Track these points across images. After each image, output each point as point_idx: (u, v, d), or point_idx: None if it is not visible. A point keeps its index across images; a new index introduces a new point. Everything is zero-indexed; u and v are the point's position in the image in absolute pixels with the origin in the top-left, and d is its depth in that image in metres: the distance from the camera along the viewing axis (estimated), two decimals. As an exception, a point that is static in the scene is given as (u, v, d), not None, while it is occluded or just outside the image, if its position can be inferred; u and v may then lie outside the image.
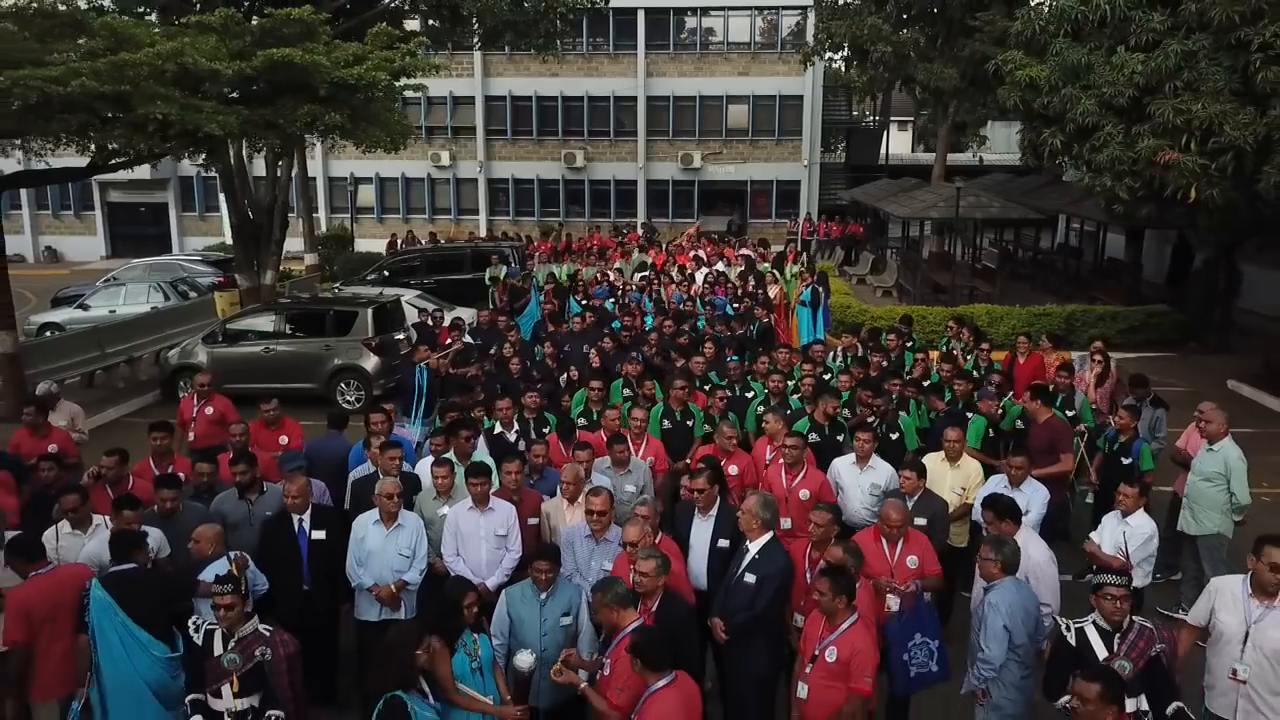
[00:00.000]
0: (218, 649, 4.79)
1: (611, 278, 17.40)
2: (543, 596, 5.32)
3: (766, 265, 19.38)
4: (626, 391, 9.07)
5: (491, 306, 15.80)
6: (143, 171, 30.31)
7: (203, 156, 14.01)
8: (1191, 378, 15.66)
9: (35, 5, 10.10)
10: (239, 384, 12.76)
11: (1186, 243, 19.69)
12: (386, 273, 20.98)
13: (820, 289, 15.80)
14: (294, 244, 25.33)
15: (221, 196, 35.24)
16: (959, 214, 19.64)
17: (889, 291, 24.07)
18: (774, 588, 5.24)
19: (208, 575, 5.32)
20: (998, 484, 6.70)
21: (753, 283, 16.83)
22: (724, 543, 5.85)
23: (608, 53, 34.30)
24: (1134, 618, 4.70)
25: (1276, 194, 9.73)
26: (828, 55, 26.22)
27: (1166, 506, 8.24)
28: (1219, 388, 15.16)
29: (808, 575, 5.53)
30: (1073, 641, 4.51)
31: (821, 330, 14.97)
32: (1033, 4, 16.16)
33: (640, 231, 31.01)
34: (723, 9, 34.01)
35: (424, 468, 7.02)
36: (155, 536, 5.93)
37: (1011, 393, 8.79)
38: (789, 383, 9.03)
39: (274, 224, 19.24)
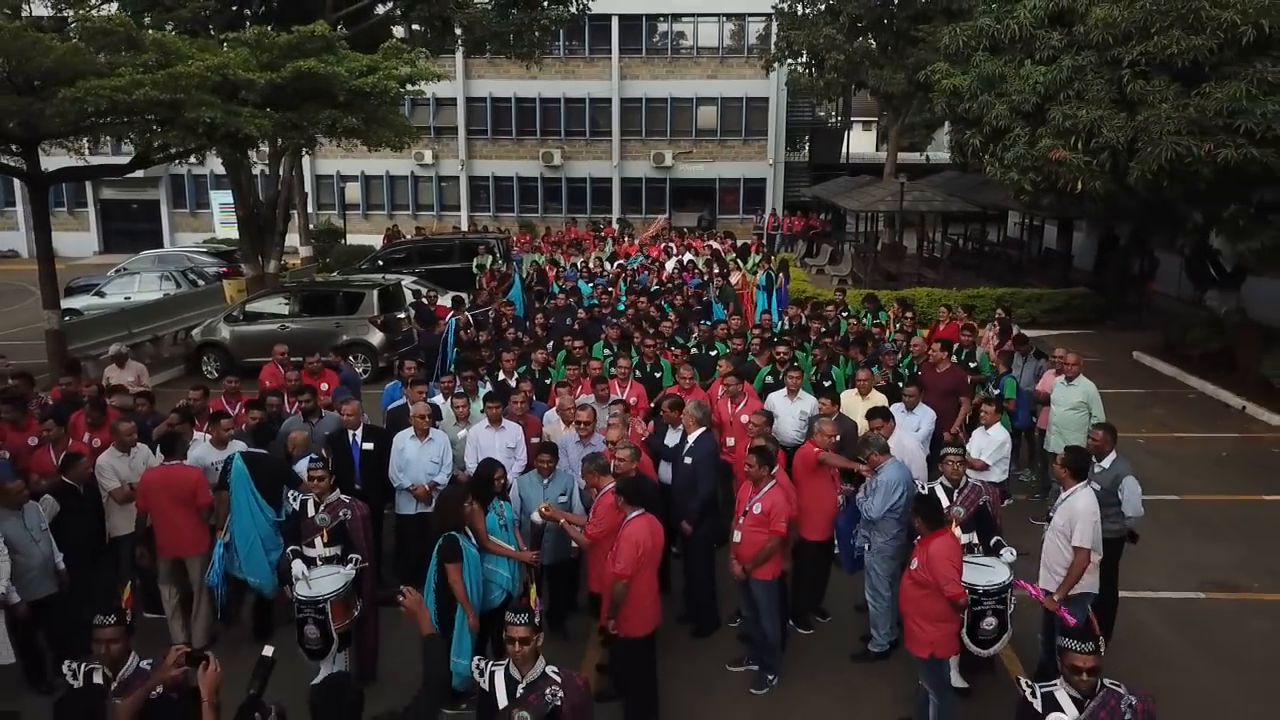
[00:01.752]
0: (311, 512, 6.58)
1: (592, 266, 19.28)
2: (545, 482, 7.15)
3: (732, 255, 21.31)
4: (607, 351, 10.92)
5: (478, 290, 17.65)
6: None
7: (237, 154, 15.58)
8: (1104, 350, 17.73)
9: (96, 24, 11.71)
10: (258, 358, 14.42)
11: (1113, 234, 21.81)
12: (380, 262, 22.65)
13: (779, 274, 17.75)
14: (289, 238, 26.93)
15: (212, 195, 36.99)
16: (903, 207, 21.66)
17: (844, 280, 26.01)
18: (706, 464, 7.21)
19: (301, 466, 7.12)
20: (898, 409, 8.60)
21: (717, 269, 18.73)
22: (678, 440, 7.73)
23: (583, 57, 36.01)
24: (967, 477, 6.67)
25: (1142, 185, 11.71)
26: (788, 61, 28.10)
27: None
28: (1126, 358, 17.27)
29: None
30: (923, 490, 6.46)
31: (776, 309, 16.87)
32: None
33: (615, 227, 32.80)
34: (692, 16, 35.86)
35: (445, 404, 8.83)
36: (239, 445, 7.71)
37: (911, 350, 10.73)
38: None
39: (277, 217, 20.91)
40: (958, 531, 6.20)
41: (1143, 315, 19.79)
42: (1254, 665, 7.02)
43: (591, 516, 6.56)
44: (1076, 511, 6.26)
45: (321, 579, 6.33)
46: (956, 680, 6.58)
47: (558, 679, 4.29)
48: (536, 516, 6.70)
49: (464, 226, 35.76)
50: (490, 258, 21.46)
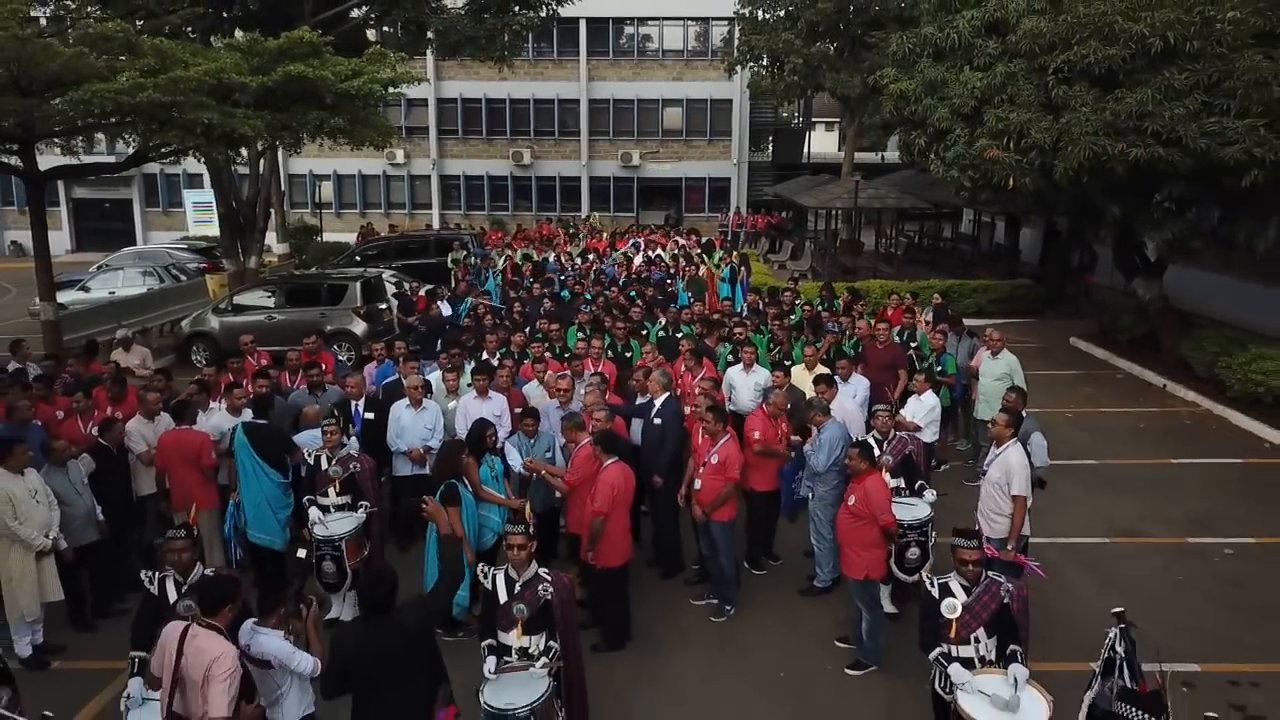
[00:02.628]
0: (324, 465, 7.49)
1: (563, 261, 20.25)
2: (531, 442, 8.10)
3: (697, 250, 22.38)
4: (580, 335, 11.89)
5: (453, 284, 18.54)
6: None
7: (230, 153, 16.32)
8: (1044, 337, 19.01)
9: (97, 30, 12.45)
10: (248, 346, 15.24)
11: (1055, 230, 23.13)
12: (358, 258, 23.43)
13: (741, 268, 18.86)
14: (266, 235, 27.60)
15: (185, 194, 37.34)
16: (858, 205, 22.82)
17: (804, 274, 27.16)
18: (672, 425, 8.18)
19: (304, 436, 8.01)
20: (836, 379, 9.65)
21: (684, 262, 19.77)
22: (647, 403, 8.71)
23: (552, 59, 36.88)
24: (895, 431, 7.74)
25: (1065, 181, 12.86)
26: (750, 65, 29.19)
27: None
28: (1063, 344, 18.54)
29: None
30: (856, 439, 7.53)
31: (739, 298, 17.95)
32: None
33: (588, 223, 33.74)
34: (658, 19, 36.87)
35: (435, 378, 9.74)
36: (247, 414, 8.58)
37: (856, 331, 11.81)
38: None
39: (257, 214, 21.62)
40: (886, 476, 7.25)
41: (1081, 305, 21.09)
42: (1143, 592, 8.14)
43: (570, 466, 7.54)
44: (1011, 465, 7.17)
45: (336, 521, 7.26)
46: (888, 606, 7.65)
47: (548, 578, 5.27)
48: (520, 467, 7.65)
49: (435, 224, 36.50)
50: (464, 253, 22.36)
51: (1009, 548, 6.90)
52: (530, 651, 5.17)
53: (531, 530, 5.32)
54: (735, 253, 23.18)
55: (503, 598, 5.24)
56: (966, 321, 12.90)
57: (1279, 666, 6.96)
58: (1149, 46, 12.04)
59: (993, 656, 5.18)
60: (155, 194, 39.02)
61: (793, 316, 12.91)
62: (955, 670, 5.08)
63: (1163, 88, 11.97)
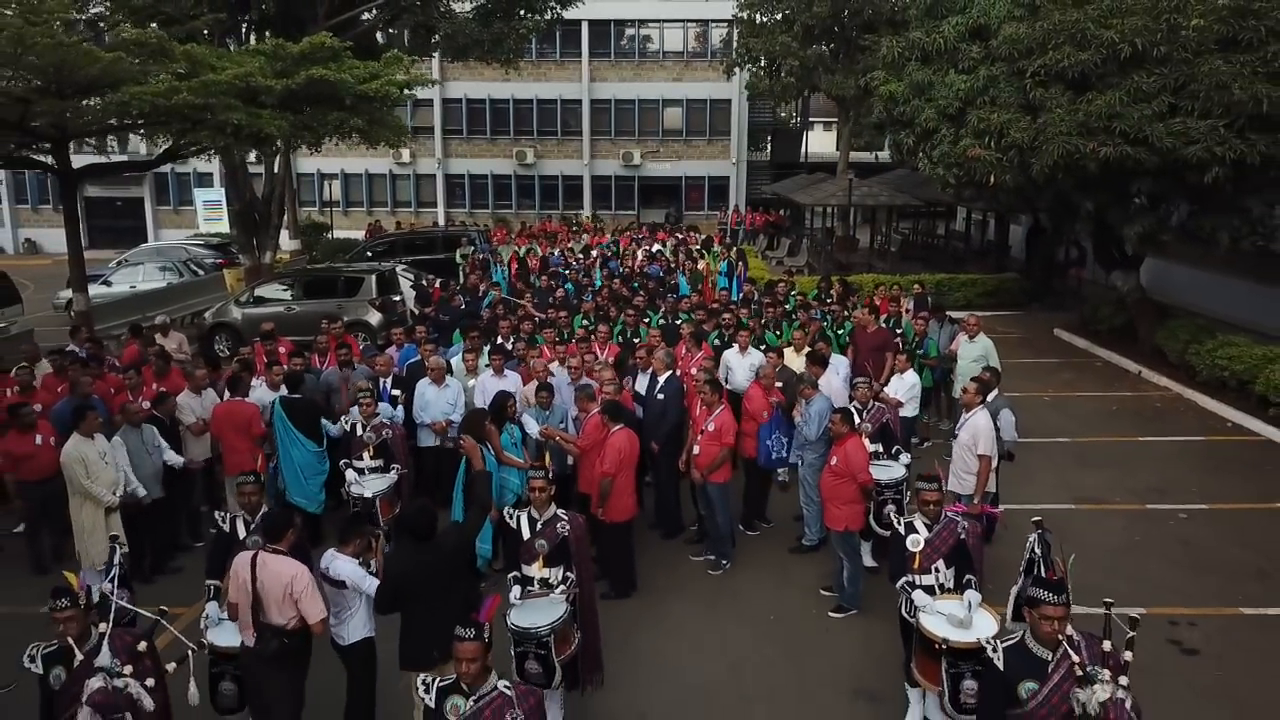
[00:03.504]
0: (359, 432, 8.31)
1: (567, 256, 21.12)
2: (545, 414, 8.92)
3: (697, 246, 23.25)
4: (585, 321, 12.73)
5: (462, 278, 19.38)
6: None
7: (254, 152, 17.18)
8: (1029, 328, 19.84)
9: (131, 36, 13.27)
10: (268, 336, 16.07)
11: (1040, 226, 23.94)
12: (368, 253, 24.25)
13: (739, 263, 19.72)
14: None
15: (195, 192, 38.08)
16: (852, 202, 23.63)
17: (800, 269, 28.00)
18: (674, 400, 8.99)
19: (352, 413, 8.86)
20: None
21: (684, 257, 20.62)
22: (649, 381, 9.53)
23: (555, 60, 37.72)
24: (874, 402, 8.57)
25: (1042, 177, 13.68)
26: (748, 67, 30.00)
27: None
28: (1047, 335, 19.36)
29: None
30: (838, 405, 8.35)
31: (736, 292, 18.79)
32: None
33: (590, 221, 34.61)
34: (659, 21, 37.72)
35: (455, 360, 10.56)
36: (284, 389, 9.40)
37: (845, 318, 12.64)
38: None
39: (272, 211, 22.44)
40: (865, 442, 8.07)
41: (1067, 298, 21.92)
42: (1101, 549, 8.94)
43: (581, 432, 8.36)
44: (979, 428, 8.11)
45: (371, 481, 8.08)
46: (868, 560, 8.48)
47: (565, 518, 6.10)
48: (537, 434, 8.48)
49: (441, 222, 37.36)
50: (472, 248, 23.21)
51: (974, 501, 7.73)
52: (550, 581, 5.99)
53: (550, 476, 6.14)
54: (733, 249, 24.06)
55: (526, 535, 6.07)
56: (955, 314, 13.75)
57: (1213, 610, 7.79)
58: (1119, 52, 12.86)
59: (951, 584, 6.00)
60: (166, 192, 39.84)
61: (786, 305, 13.73)
62: (918, 595, 5.89)
63: (1131, 90, 12.80)
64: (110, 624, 4.55)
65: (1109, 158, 12.74)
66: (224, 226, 36.75)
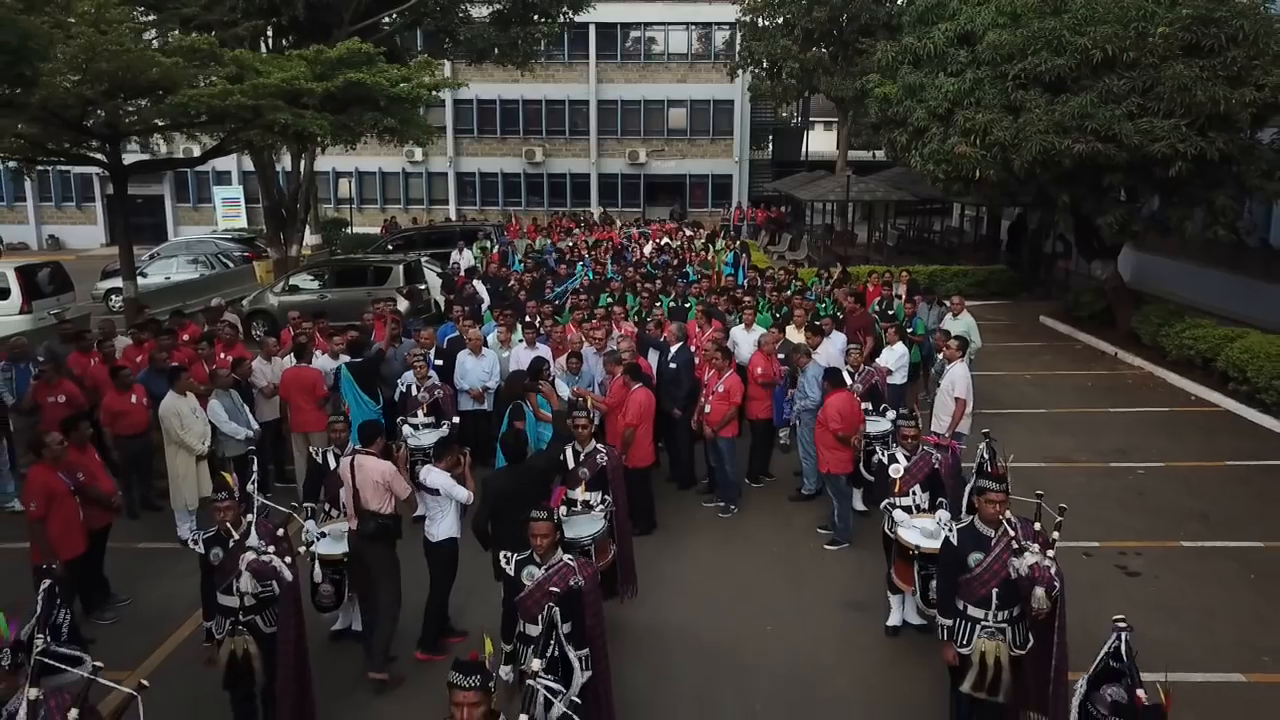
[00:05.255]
0: (414, 392, 9.52)
1: (581, 250, 22.41)
2: (575, 378, 10.12)
3: (702, 240, 24.53)
4: (609, 300, 14.00)
5: (483, 268, 20.62)
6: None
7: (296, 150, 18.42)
8: (1016, 316, 21.05)
9: (186, 43, 14.48)
10: (303, 322, 17.27)
11: (1023, 221, 25.17)
12: (389, 246, 25.48)
13: (743, 254, 20.98)
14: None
15: (214, 190, 39.31)
16: (849, 197, 24.84)
17: (801, 263, 29.19)
18: (687, 368, 10.20)
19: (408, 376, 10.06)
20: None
21: (689, 250, 21.89)
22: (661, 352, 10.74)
23: (563, 62, 38.94)
24: (864, 366, 9.79)
25: (1022, 172, 14.87)
26: (750, 69, 31.20)
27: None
28: (1033, 321, 20.56)
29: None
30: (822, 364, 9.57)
31: (741, 278, 20.04)
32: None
33: (597, 218, 35.84)
34: (663, 24, 38.95)
35: (491, 336, 11.78)
36: (344, 358, 10.60)
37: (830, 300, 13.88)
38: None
39: (298, 207, 23.67)
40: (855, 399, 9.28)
41: (1054, 288, 23.12)
42: (1063, 497, 9.95)
43: (608, 392, 9.56)
44: (956, 377, 9.61)
45: (426, 434, 9.29)
46: (859, 504, 9.68)
47: (604, 450, 7.30)
48: (569, 394, 9.68)
49: (452, 219, 38.59)
50: (489, 242, 24.44)
51: (946, 435, 9.02)
52: (590, 503, 7.19)
53: (591, 415, 7.35)
54: (738, 241, 25.35)
55: (571, 464, 7.27)
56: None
57: (1155, 543, 8.99)
58: (1091, 57, 14.06)
59: (925, 506, 7.19)
60: (185, 190, 41.10)
61: (788, 290, 14.94)
62: (898, 514, 7.09)
63: (1103, 92, 14.01)
64: (255, 515, 5.74)
65: (1082, 154, 13.93)
66: (241, 223, 38.11)
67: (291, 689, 5.64)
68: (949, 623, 5.46)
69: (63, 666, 4.34)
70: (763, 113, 42.72)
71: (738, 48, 32.55)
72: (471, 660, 3.84)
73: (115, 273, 25.49)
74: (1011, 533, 5.28)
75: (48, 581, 4.75)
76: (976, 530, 5.45)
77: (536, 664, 4.38)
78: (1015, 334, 19.04)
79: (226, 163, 37.10)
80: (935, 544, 6.64)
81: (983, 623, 5.32)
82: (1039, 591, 5.03)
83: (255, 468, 6.56)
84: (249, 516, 5.74)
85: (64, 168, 28.04)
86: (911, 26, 18.56)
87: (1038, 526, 5.43)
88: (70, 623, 4.94)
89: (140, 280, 23.37)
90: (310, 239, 31.50)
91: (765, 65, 29.12)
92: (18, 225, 40.49)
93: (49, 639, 4.37)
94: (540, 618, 5.03)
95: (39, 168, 18.30)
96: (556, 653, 4.52)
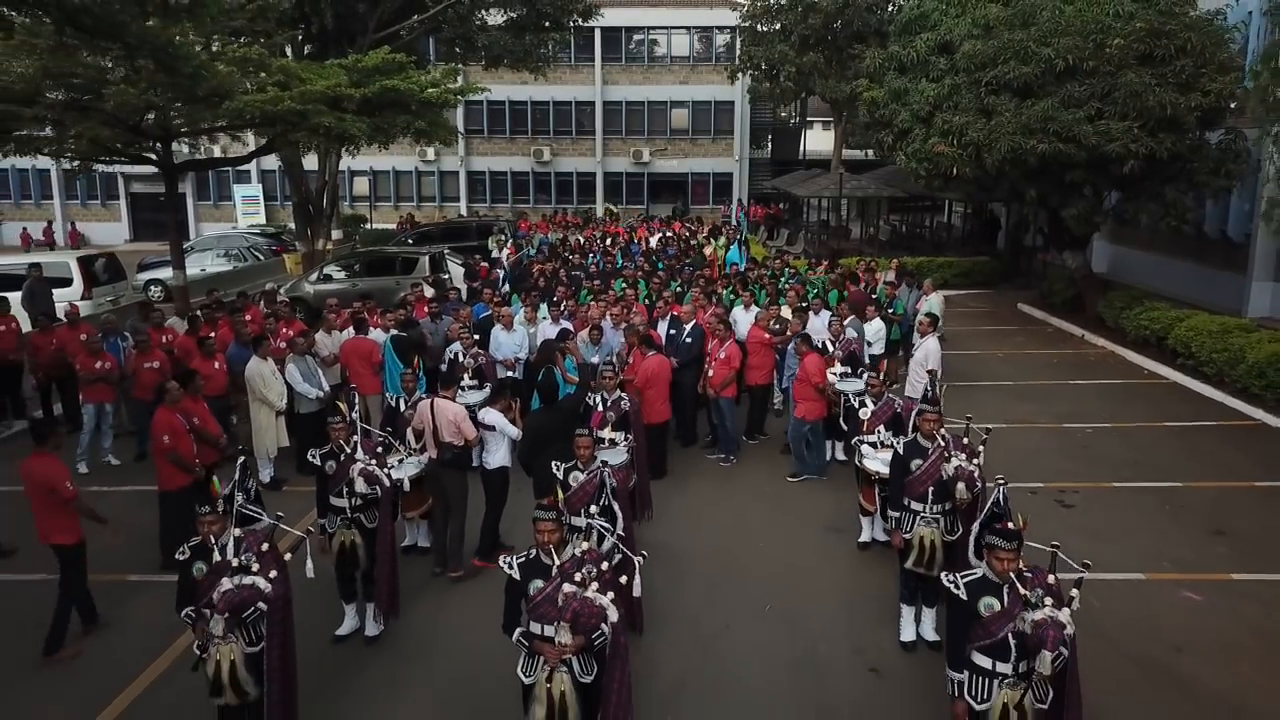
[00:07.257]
0: (461, 359, 11.12)
1: (592, 243, 24.02)
2: (596, 348, 11.72)
3: (704, 235, 26.18)
4: (623, 284, 15.60)
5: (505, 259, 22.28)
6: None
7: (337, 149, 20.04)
8: (996, 303, 22.64)
9: (239, 54, 16.05)
10: (338, 307, 18.84)
11: (995, 217, 26.85)
12: (409, 240, 27.08)
13: (743, 246, 22.69)
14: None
15: (234, 188, 40.87)
16: (842, 193, 26.43)
17: (797, 256, 30.79)
18: (697, 343, 11.77)
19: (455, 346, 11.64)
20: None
21: (694, 243, 23.53)
22: (674, 330, 12.32)
23: (570, 64, 40.47)
24: (844, 333, 11.41)
25: (994, 169, 16.47)
26: (749, 71, 32.79)
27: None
28: (1011, 308, 22.15)
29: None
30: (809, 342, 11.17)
31: (743, 264, 21.67)
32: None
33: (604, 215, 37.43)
34: (666, 28, 40.52)
35: (518, 317, 13.37)
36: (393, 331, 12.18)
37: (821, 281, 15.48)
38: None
39: (325, 202, 25.27)
40: (837, 366, 10.90)
41: (1033, 278, 24.71)
42: (1019, 452, 11.71)
43: (630, 364, 11.17)
44: (928, 349, 11.14)
45: (472, 394, 10.89)
46: (838, 454, 11.28)
47: (626, 396, 8.90)
48: (594, 359, 11.29)
49: (464, 214, 40.17)
50: (503, 236, 26.06)
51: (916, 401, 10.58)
52: (615, 440, 8.78)
53: (617, 369, 8.96)
54: (739, 234, 27.01)
55: (599, 409, 8.87)
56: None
57: (1091, 484, 10.60)
58: (1055, 66, 15.66)
59: (889, 442, 8.77)
60: (206, 188, 42.66)
61: (781, 279, 16.55)
62: (865, 448, 8.69)
63: (1065, 97, 15.60)
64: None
65: (1046, 153, 15.53)
66: (260, 219, 39.68)
67: (387, 573, 7.23)
68: (897, 515, 7.05)
69: (256, 513, 5.99)
70: (762, 113, 44.29)
71: (737, 52, 34.14)
72: (550, 503, 5.31)
73: (150, 265, 27.27)
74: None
75: (241, 458, 6.49)
76: (918, 443, 7.03)
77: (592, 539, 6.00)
78: (993, 319, 20.63)
79: (246, 162, 38.64)
80: (894, 470, 8.25)
81: (921, 514, 6.91)
82: (961, 487, 6.62)
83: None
84: (354, 438, 7.32)
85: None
86: (897, 35, 20.16)
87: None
88: (255, 488, 6.52)
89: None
90: (333, 234, 33.21)
91: (764, 68, 30.70)
92: (43, 222, 42.01)
93: (244, 497, 6.04)
94: (583, 511, 6.63)
95: (95, 167, 19.87)
96: (606, 503, 6.18)
